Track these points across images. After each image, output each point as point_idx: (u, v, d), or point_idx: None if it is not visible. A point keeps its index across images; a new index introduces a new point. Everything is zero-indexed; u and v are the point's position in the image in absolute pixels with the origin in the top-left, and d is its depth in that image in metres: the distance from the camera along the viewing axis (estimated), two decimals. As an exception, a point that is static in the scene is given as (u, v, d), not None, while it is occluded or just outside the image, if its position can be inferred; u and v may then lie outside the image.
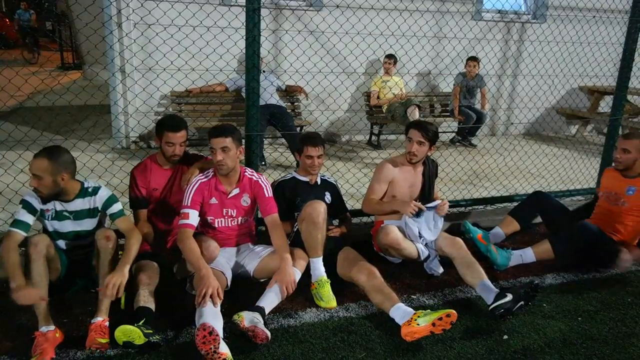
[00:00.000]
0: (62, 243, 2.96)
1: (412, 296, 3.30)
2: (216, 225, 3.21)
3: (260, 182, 3.20)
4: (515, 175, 5.52)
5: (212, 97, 6.32)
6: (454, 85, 7.28)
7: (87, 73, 11.83)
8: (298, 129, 6.15)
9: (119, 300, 2.84)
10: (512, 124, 8.17)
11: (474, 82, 7.22)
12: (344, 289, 3.23)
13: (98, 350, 2.57)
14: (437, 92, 7.67)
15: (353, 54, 5.90)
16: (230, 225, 3.23)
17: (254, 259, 3.19)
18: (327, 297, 3.09)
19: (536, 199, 4.04)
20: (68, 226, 2.91)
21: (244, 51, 3.43)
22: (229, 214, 3.20)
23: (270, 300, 2.92)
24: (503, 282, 3.52)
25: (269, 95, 5.89)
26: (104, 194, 2.93)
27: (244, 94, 3.64)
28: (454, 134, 7.57)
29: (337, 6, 6.02)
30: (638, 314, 3.19)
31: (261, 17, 3.38)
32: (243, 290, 3.13)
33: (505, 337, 2.87)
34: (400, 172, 3.60)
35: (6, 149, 3.94)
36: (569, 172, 5.50)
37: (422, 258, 3.45)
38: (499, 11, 7.57)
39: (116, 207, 2.94)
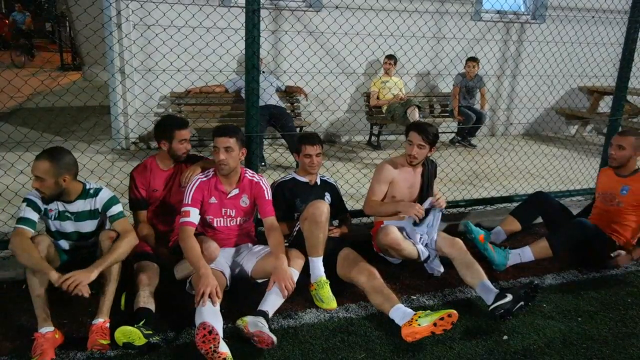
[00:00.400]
0: (65, 243, 2.96)
1: (412, 297, 3.30)
2: (215, 225, 3.21)
3: (261, 183, 3.22)
4: (515, 176, 5.52)
5: (212, 98, 6.32)
6: (453, 85, 7.28)
7: (87, 74, 11.84)
8: (298, 129, 6.15)
9: (119, 301, 2.84)
10: (511, 124, 8.16)
11: (474, 82, 7.22)
12: (344, 289, 3.22)
13: (98, 352, 2.57)
14: (436, 93, 7.67)
15: (352, 54, 5.90)
16: (229, 225, 3.24)
17: (252, 259, 3.19)
18: (327, 299, 3.08)
19: (537, 199, 4.04)
20: (70, 227, 2.91)
21: (243, 52, 3.43)
22: (228, 213, 3.20)
23: (272, 302, 2.91)
24: (503, 282, 3.52)
25: (269, 96, 5.89)
26: (105, 195, 2.91)
27: (243, 95, 3.65)
28: (453, 135, 7.57)
29: (337, 7, 6.03)
30: (638, 314, 3.19)
31: (261, 18, 3.38)
32: (243, 291, 3.13)
33: (505, 337, 2.87)
34: (400, 173, 3.61)
35: (6, 151, 3.93)
36: (569, 172, 5.50)
37: (422, 259, 3.45)
38: (498, 12, 7.56)
39: (116, 209, 2.92)
